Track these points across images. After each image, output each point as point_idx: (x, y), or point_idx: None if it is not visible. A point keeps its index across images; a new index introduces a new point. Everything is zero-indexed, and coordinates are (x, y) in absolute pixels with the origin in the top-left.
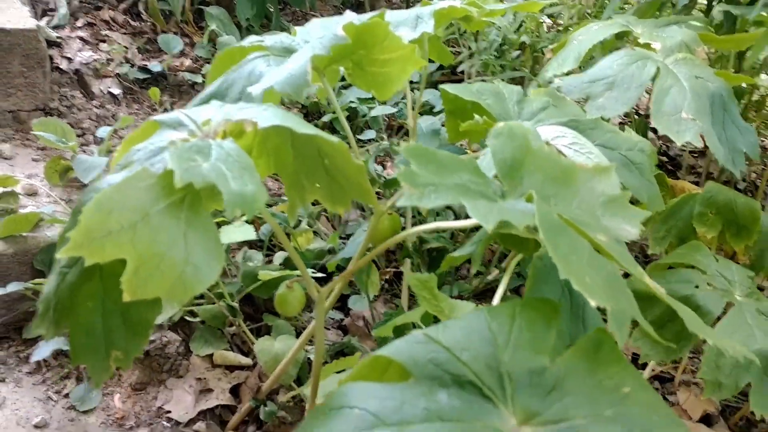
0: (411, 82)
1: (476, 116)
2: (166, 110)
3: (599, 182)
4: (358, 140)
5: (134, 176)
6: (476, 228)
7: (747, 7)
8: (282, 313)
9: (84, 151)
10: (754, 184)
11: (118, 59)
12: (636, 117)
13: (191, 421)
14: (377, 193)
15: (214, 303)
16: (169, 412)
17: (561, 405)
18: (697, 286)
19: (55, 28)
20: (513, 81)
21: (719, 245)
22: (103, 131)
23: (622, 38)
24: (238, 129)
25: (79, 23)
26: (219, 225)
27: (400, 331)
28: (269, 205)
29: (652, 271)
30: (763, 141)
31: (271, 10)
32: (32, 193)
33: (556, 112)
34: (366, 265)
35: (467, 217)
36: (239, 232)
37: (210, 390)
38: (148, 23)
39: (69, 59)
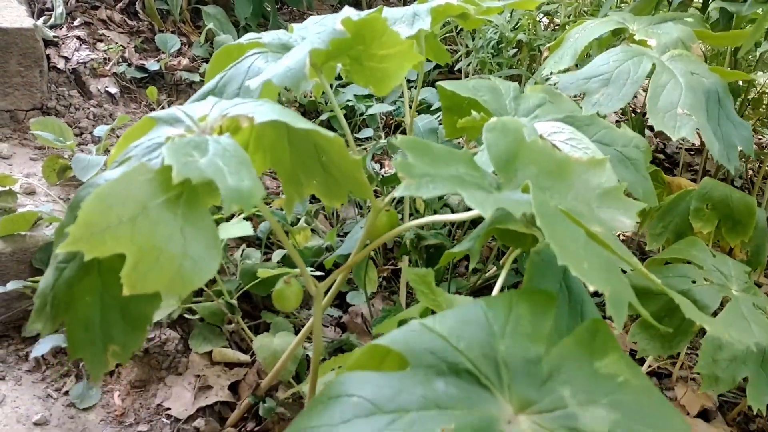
0: (408, 81)
1: (473, 113)
2: (163, 109)
3: (594, 175)
4: (356, 138)
5: (132, 171)
6: (474, 224)
7: (742, 3)
8: (280, 309)
9: (82, 150)
10: (750, 181)
11: (116, 58)
12: (633, 115)
13: (190, 418)
14: (375, 191)
15: (212, 300)
16: (168, 409)
17: (557, 393)
18: (694, 281)
19: (52, 27)
20: (510, 79)
21: (716, 241)
22: (101, 130)
23: (618, 35)
24: (234, 125)
25: (76, 22)
26: (217, 222)
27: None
28: (267, 203)
29: (649, 267)
30: (760, 139)
31: (269, 9)
32: (30, 192)
33: (552, 109)
34: (364, 262)
35: (465, 211)
36: (237, 228)
37: (209, 387)
38: (146, 22)
39: (66, 58)
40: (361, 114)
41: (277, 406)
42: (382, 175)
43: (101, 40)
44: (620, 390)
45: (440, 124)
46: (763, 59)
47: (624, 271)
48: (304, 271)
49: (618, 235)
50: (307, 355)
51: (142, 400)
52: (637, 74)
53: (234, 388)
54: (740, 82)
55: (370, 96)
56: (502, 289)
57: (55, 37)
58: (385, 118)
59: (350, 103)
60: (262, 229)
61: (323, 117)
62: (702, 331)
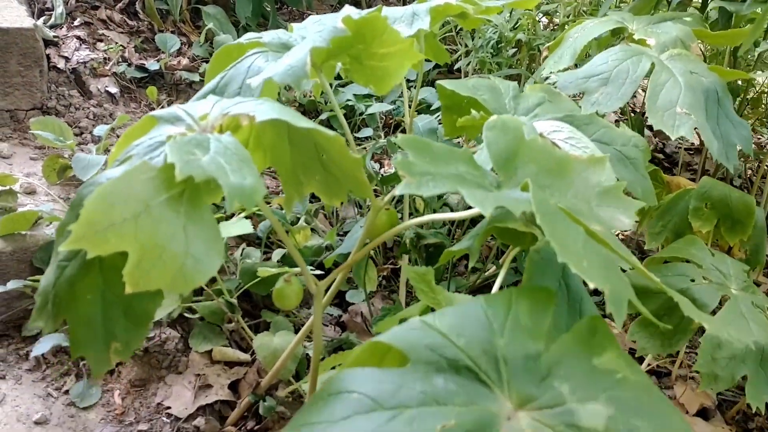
0: (407, 80)
1: (473, 111)
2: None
3: (593, 173)
4: (355, 138)
5: (134, 169)
6: (473, 223)
7: (741, 3)
8: (280, 307)
9: (82, 150)
10: (749, 181)
11: (116, 58)
12: (632, 114)
13: (191, 417)
14: (374, 190)
15: (212, 299)
16: (168, 407)
17: (556, 390)
18: (693, 280)
19: (52, 27)
20: (509, 79)
21: (715, 240)
22: (101, 130)
23: (617, 35)
24: (234, 123)
25: (76, 22)
26: (217, 221)
27: None
28: (267, 202)
29: (648, 265)
30: (759, 138)
31: (268, 9)
32: (30, 192)
33: (551, 108)
34: (364, 261)
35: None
36: (237, 226)
37: (209, 386)
38: (146, 22)
39: (66, 58)
40: (361, 113)
41: (277, 405)
42: (382, 175)
43: (101, 40)
44: (619, 386)
45: (440, 123)
46: (762, 59)
47: (623, 270)
48: (304, 270)
49: (617, 234)
50: (307, 354)
51: (142, 399)
52: (635, 73)
53: (234, 386)
54: (739, 82)
55: (369, 95)
56: (501, 288)
57: (55, 37)
58: (384, 117)
59: (350, 103)
60: (262, 228)
61: (323, 116)
62: (701, 330)
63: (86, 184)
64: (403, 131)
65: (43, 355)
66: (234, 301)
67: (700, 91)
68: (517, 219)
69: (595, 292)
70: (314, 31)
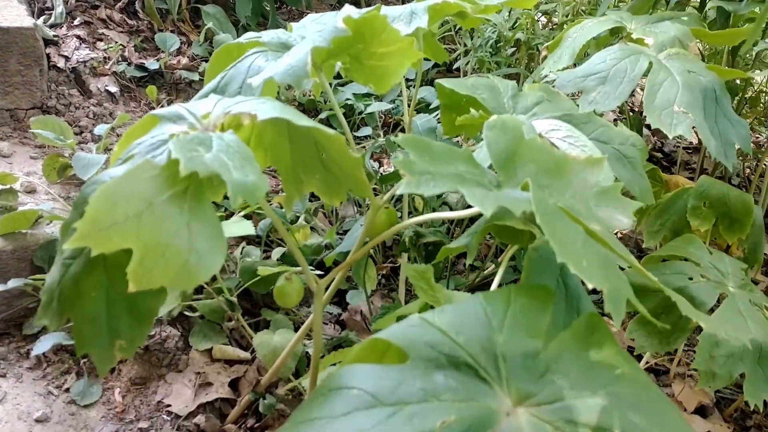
0: (407, 80)
1: (472, 110)
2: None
3: (592, 173)
4: (355, 137)
5: (138, 167)
6: (472, 221)
7: (739, 2)
8: (281, 305)
9: (82, 149)
10: (747, 180)
11: (115, 57)
12: (630, 113)
13: (191, 415)
14: (374, 189)
15: (212, 298)
16: (168, 405)
17: (555, 386)
18: (690, 278)
19: (52, 26)
20: (508, 77)
21: (713, 238)
22: (101, 129)
23: (616, 34)
24: (236, 122)
25: (76, 22)
26: None
27: None
28: (267, 201)
29: (647, 264)
30: (757, 137)
31: (268, 8)
32: (31, 191)
33: (550, 107)
34: (363, 259)
35: (463, 210)
36: (238, 226)
37: (209, 384)
38: (145, 21)
39: (66, 58)
40: (360, 113)
41: (277, 403)
42: (381, 174)
43: (101, 39)
44: (617, 382)
45: (439, 122)
46: (761, 58)
47: (622, 268)
48: (305, 268)
49: (615, 233)
50: (307, 352)
51: (142, 397)
52: (633, 72)
53: (234, 385)
54: (738, 81)
55: (368, 95)
56: (500, 286)
57: (55, 36)
58: (383, 116)
59: (349, 102)
60: (262, 227)
61: (322, 115)
62: (699, 328)
63: (90, 183)
64: (402, 130)
65: (43, 353)
66: (234, 299)
67: (698, 90)
68: (515, 217)
69: (594, 290)
70: (314, 30)
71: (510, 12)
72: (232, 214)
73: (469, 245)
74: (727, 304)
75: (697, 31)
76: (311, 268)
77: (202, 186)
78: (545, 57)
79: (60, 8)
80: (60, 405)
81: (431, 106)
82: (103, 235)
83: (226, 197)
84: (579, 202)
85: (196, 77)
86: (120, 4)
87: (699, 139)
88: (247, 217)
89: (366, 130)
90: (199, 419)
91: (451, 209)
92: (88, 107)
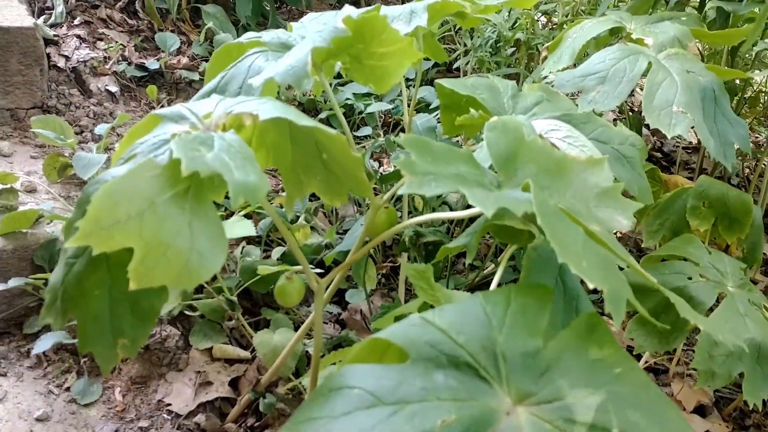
0: (407, 79)
1: (472, 110)
2: (163, 108)
3: (592, 174)
4: (355, 137)
5: (140, 167)
6: (472, 221)
7: (739, 3)
8: (282, 304)
9: (82, 149)
10: (747, 180)
11: (116, 57)
12: (630, 113)
13: (191, 414)
14: (373, 189)
15: (213, 297)
16: (169, 404)
17: (554, 385)
18: (690, 278)
19: (53, 26)
20: (508, 77)
21: (712, 238)
22: (101, 128)
23: (615, 34)
24: (237, 122)
25: (76, 21)
26: None
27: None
28: (268, 201)
29: (646, 264)
30: (756, 137)
31: (268, 8)
32: (31, 190)
33: (549, 107)
34: (363, 259)
35: (463, 210)
36: (239, 227)
37: (209, 383)
38: (145, 21)
39: (66, 57)
40: (360, 112)
41: (277, 402)
42: (381, 173)
43: (101, 39)
44: (617, 382)
45: (438, 122)
46: (760, 57)
47: (621, 268)
48: (306, 268)
49: (615, 233)
50: (307, 352)
51: (143, 396)
52: (633, 72)
53: (234, 384)
54: (737, 81)
55: (368, 94)
56: (499, 285)
57: (55, 35)
58: (383, 116)
59: (349, 102)
60: (262, 227)
61: (322, 115)
62: (698, 327)
63: (92, 182)
64: (402, 130)
65: (44, 352)
66: (234, 298)
67: (697, 90)
68: (516, 217)
69: (593, 290)
70: (314, 30)
71: (510, 12)
72: (232, 214)
73: (468, 245)
74: (726, 304)
75: (697, 32)
76: (311, 267)
77: (204, 186)
78: (545, 58)
79: (60, 8)
80: (60, 404)
81: (431, 106)
82: (105, 234)
83: (227, 197)
84: (579, 203)
85: (196, 77)
86: (120, 3)
87: (698, 139)
88: (248, 216)
89: (366, 130)
90: (200, 418)
91: (450, 209)
92: (89, 107)
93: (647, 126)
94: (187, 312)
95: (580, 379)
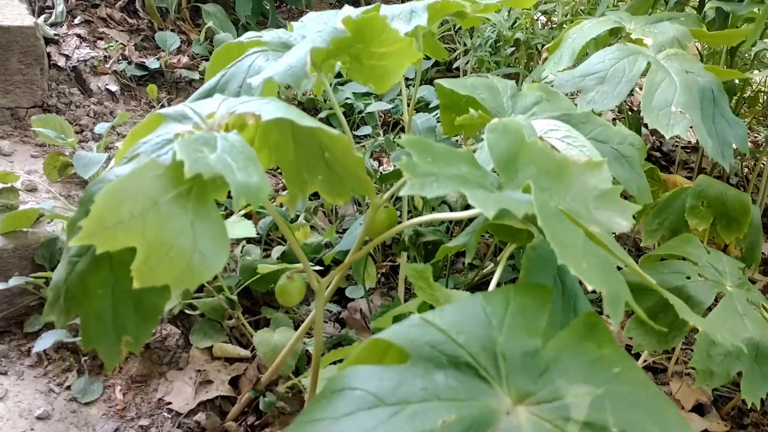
0: (406, 79)
1: (471, 110)
2: (163, 107)
3: (591, 176)
4: (355, 136)
5: (143, 167)
6: (472, 220)
7: (738, 3)
8: (283, 303)
9: (83, 148)
10: (745, 179)
11: (116, 56)
12: (629, 113)
13: (191, 412)
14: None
15: (213, 296)
16: (169, 403)
17: (554, 385)
18: (688, 277)
19: (53, 25)
20: (507, 77)
21: (711, 238)
22: (101, 127)
23: (615, 35)
24: (240, 122)
25: (76, 21)
26: None
27: (397, 322)
28: (271, 198)
29: (645, 263)
30: (755, 137)
31: (268, 7)
32: (32, 189)
33: (549, 107)
34: (363, 258)
35: (463, 209)
36: (239, 227)
37: (210, 381)
38: (145, 20)
39: (67, 56)
40: (360, 112)
41: (277, 401)
42: (381, 173)
43: (101, 38)
44: (616, 381)
45: (438, 121)
46: (759, 58)
47: (619, 268)
48: (306, 267)
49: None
50: (307, 350)
51: (143, 395)
52: (632, 72)
53: (234, 382)
54: (736, 81)
55: (368, 94)
56: (498, 285)
57: (55, 35)
58: (383, 115)
59: (349, 101)
60: (262, 226)
61: (322, 115)
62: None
63: (95, 181)
64: (402, 129)
65: (45, 351)
66: (234, 297)
67: (696, 90)
68: (516, 217)
69: (591, 289)
70: (314, 30)
71: (509, 12)
72: (232, 212)
73: (467, 244)
74: (724, 304)
75: (696, 32)
76: (311, 266)
77: (206, 186)
78: (546, 59)
79: (60, 7)
80: (61, 402)
81: (430, 105)
82: (109, 234)
83: (229, 195)
84: (579, 205)
85: (196, 76)
86: (120, 2)
87: (697, 139)
88: (248, 215)
89: (366, 129)
90: (200, 417)
91: (450, 208)
92: (89, 106)
93: (646, 125)
94: (187, 311)
95: (579, 379)
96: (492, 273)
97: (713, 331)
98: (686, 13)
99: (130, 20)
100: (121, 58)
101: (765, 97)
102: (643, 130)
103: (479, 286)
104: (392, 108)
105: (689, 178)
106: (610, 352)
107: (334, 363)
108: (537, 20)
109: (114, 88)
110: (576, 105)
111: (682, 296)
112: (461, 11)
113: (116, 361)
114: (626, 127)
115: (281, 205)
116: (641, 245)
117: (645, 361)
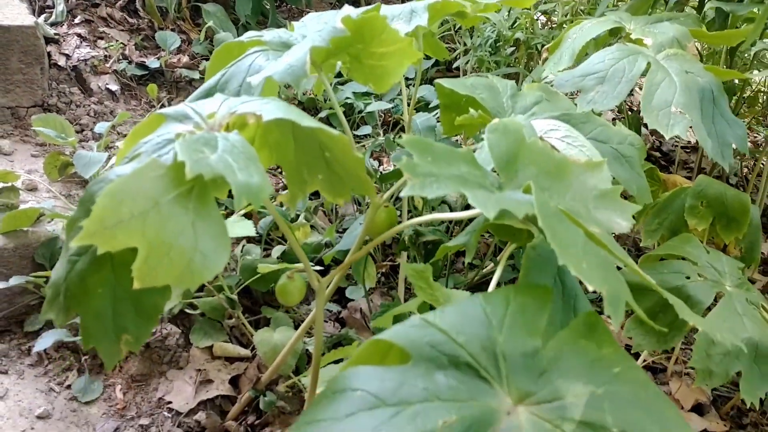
0: (406, 79)
1: (471, 110)
2: (163, 106)
3: (591, 176)
4: (355, 136)
5: (144, 167)
6: (471, 220)
7: (738, 3)
8: (283, 303)
9: (83, 147)
10: (745, 179)
11: (116, 56)
12: (629, 113)
13: (191, 412)
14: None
15: (213, 296)
16: (169, 402)
17: (554, 385)
18: (688, 277)
19: (53, 25)
20: (507, 77)
21: (710, 238)
22: (102, 127)
23: (615, 35)
24: (240, 122)
25: (76, 20)
26: None
27: (397, 321)
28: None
29: (644, 263)
30: (755, 137)
31: (268, 7)
32: (32, 189)
33: (548, 106)
34: (363, 257)
35: (463, 209)
36: (239, 227)
37: (210, 381)
38: (146, 20)
39: (67, 56)
40: (360, 111)
41: (277, 400)
42: (381, 172)
43: (102, 38)
44: (616, 381)
45: (438, 121)
46: (758, 58)
47: (618, 267)
48: (307, 266)
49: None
50: (307, 350)
51: (143, 394)
52: (632, 72)
53: (235, 382)
54: (736, 81)
55: (368, 93)
56: (498, 285)
57: (56, 34)
58: (383, 115)
59: (349, 101)
60: (262, 225)
61: (322, 114)
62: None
63: (96, 181)
64: (402, 129)
65: (45, 350)
66: (234, 297)
67: (696, 90)
68: (516, 217)
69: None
70: (314, 29)
71: (509, 11)
72: (232, 212)
73: (467, 243)
74: (724, 303)
75: (696, 32)
76: (312, 265)
77: (207, 186)
78: (546, 59)
79: (61, 6)
80: (61, 402)
81: (430, 105)
82: (109, 234)
83: (230, 194)
84: (579, 205)
85: (196, 75)
86: (120, 2)
87: (697, 139)
88: (248, 215)
89: (366, 129)
90: (200, 416)
91: (450, 207)
92: (89, 105)
93: (646, 125)
94: (187, 310)
95: (579, 379)
96: (492, 273)
97: (712, 331)
98: (686, 13)
99: (130, 20)
100: (121, 57)
101: (764, 97)
102: (643, 130)
103: (479, 285)
104: (392, 108)
105: (689, 178)
106: (611, 352)
107: (335, 362)
108: (537, 20)
109: (114, 87)
110: (576, 105)
111: (682, 296)
112: (461, 11)
113: (116, 360)
114: (626, 127)
115: (281, 205)
116: (641, 245)
117: (644, 360)
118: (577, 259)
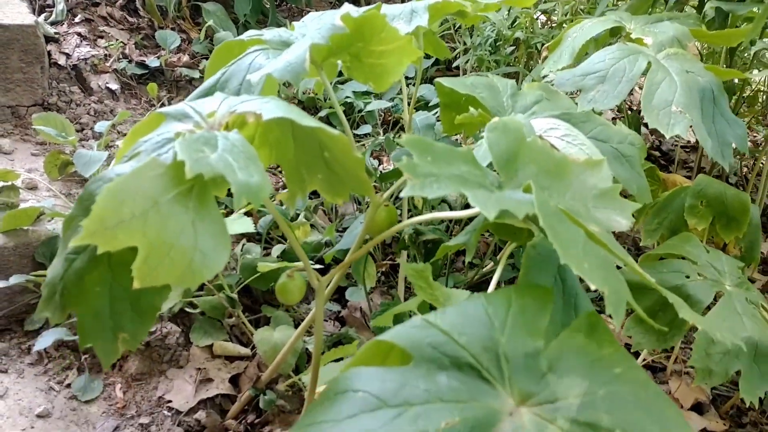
0: (406, 78)
1: (471, 109)
2: (163, 105)
3: (591, 175)
4: (354, 135)
5: (144, 166)
6: (471, 219)
7: (738, 2)
8: (283, 302)
9: (83, 146)
10: (745, 179)
11: (116, 55)
12: (629, 112)
13: (191, 411)
14: (373, 186)
15: (213, 294)
16: (169, 401)
17: (556, 386)
18: (687, 277)
19: (53, 24)
20: (507, 76)
21: (710, 237)
22: (102, 126)
23: (615, 34)
24: (240, 120)
25: (76, 19)
26: None
27: (397, 321)
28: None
29: (644, 262)
30: (755, 136)
31: (268, 6)
32: (32, 188)
33: (549, 105)
34: (363, 257)
35: (463, 208)
36: (238, 223)
37: (210, 380)
38: (146, 19)
39: (67, 55)
40: (360, 110)
41: (277, 399)
42: (381, 171)
43: (102, 37)
44: (617, 381)
45: (438, 120)
46: (758, 57)
47: (619, 266)
48: (307, 266)
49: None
50: (307, 349)
51: (143, 393)
52: (632, 72)
53: (235, 380)
54: (736, 80)
55: (368, 92)
56: (498, 284)
57: (56, 33)
58: (383, 114)
59: (349, 100)
60: (262, 224)
61: (322, 113)
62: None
63: (95, 179)
64: (402, 128)
65: (45, 349)
66: (234, 296)
67: (696, 90)
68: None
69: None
70: (314, 28)
71: (509, 11)
72: (232, 211)
73: (467, 243)
74: (723, 303)
75: (696, 32)
76: (311, 264)
77: (207, 185)
78: (546, 58)
79: (61, 6)
80: (61, 400)
81: (430, 104)
82: (110, 234)
83: (230, 193)
84: (578, 204)
85: (196, 74)
86: (120, 1)
87: (697, 138)
88: (248, 213)
89: (365, 128)
90: (200, 415)
91: (450, 206)
92: (89, 104)
93: (646, 125)
94: (187, 309)
95: (580, 379)
96: (492, 272)
97: (712, 330)
98: (686, 13)
99: (130, 19)
100: (121, 56)
101: (764, 96)
102: (643, 129)
103: (479, 284)
104: (392, 106)
105: (689, 178)
106: (611, 352)
107: (335, 361)
108: (537, 19)
109: (114, 86)
110: (576, 104)
111: (681, 295)
112: (462, 10)
113: (113, 359)
114: (626, 126)
115: (281, 203)
116: (641, 244)
117: (644, 359)
118: (579, 259)
